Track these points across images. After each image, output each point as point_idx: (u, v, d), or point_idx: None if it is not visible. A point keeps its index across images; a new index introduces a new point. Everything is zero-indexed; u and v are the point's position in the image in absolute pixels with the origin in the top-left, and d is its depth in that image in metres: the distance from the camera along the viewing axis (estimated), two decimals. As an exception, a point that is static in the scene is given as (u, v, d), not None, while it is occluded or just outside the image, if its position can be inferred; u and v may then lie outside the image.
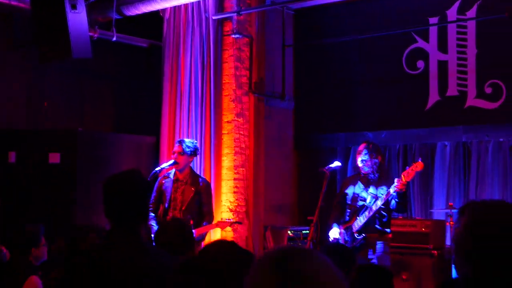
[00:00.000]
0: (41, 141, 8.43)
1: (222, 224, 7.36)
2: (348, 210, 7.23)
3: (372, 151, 7.01)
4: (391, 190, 6.64)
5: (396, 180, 6.63)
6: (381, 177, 7.00)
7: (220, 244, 2.92)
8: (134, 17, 9.40)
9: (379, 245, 6.86)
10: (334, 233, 7.04)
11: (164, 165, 7.79)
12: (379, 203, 6.76)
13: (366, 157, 7.01)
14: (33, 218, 7.71)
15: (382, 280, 3.89)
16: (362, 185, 7.06)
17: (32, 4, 7.78)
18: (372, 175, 7.01)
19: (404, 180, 6.61)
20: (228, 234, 8.80)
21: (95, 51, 7.94)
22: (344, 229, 7.06)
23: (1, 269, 5.51)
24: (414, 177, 6.96)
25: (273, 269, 1.64)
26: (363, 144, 7.13)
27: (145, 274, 3.20)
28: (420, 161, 6.81)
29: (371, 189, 6.95)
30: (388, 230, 6.97)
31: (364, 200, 6.97)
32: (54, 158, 8.34)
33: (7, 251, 5.60)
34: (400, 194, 6.67)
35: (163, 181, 7.51)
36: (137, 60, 10.25)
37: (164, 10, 9.50)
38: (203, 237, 7.42)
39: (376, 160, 7.03)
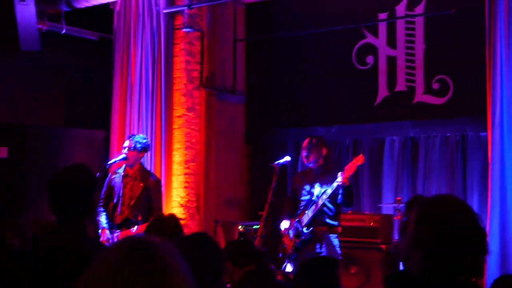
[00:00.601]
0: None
1: None
2: (300, 205, 7.28)
3: (314, 146, 7.04)
4: (334, 184, 6.70)
5: (339, 174, 6.68)
6: (327, 171, 7.03)
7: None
8: (84, 10, 9.31)
9: (328, 239, 6.91)
10: (285, 224, 7.07)
11: (114, 160, 7.72)
12: (324, 197, 6.81)
13: (309, 152, 7.04)
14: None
15: (325, 268, 3.89)
16: (309, 179, 7.10)
17: (-22, -5, 7.65)
18: (318, 170, 7.05)
19: (346, 174, 6.67)
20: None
21: (44, 44, 7.84)
22: (295, 223, 7.09)
23: None
24: (356, 170, 7.01)
25: (125, 258, 1.63)
26: (306, 139, 7.16)
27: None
28: (361, 155, 6.90)
29: (317, 183, 6.99)
30: (336, 223, 7.01)
31: (311, 194, 7.01)
32: (1, 152, 8.22)
33: None
34: (344, 188, 6.73)
35: (113, 177, 7.45)
36: (87, 53, 10.14)
37: (114, 2, 9.42)
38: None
39: (320, 154, 7.05)
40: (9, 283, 3.12)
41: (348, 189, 6.82)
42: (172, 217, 4.91)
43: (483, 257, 2.42)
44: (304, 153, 7.10)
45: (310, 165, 7.08)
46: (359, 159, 6.80)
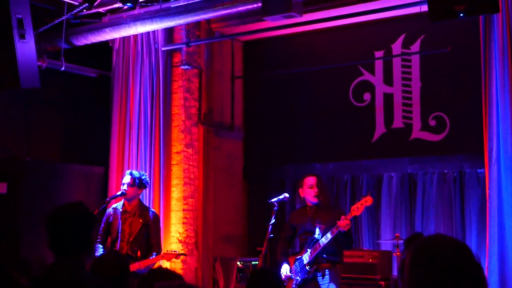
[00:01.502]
0: (-13, 170, 8.30)
1: (167, 256, 7.30)
2: (298, 242, 7.26)
3: (325, 186, 7.11)
4: (335, 230, 6.68)
5: (341, 219, 6.65)
6: (327, 209, 7.03)
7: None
8: (83, 47, 9.39)
9: (329, 274, 6.87)
10: (285, 269, 7.03)
11: (113, 196, 7.77)
12: (324, 240, 6.78)
13: (321, 191, 7.04)
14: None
15: None
16: (309, 217, 7.09)
17: (-20, 33, 7.71)
18: (318, 207, 7.05)
19: (350, 216, 6.65)
20: (177, 265, 8.76)
21: (43, 80, 7.87)
22: (295, 261, 7.06)
23: None
24: (363, 211, 7.02)
25: None
26: (313, 177, 7.15)
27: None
28: (369, 195, 6.81)
29: (318, 221, 6.97)
30: (337, 258, 6.98)
31: (313, 232, 6.98)
32: (1, 188, 8.22)
33: None
34: (344, 232, 6.70)
35: (111, 212, 7.46)
36: (86, 89, 10.19)
37: (113, 40, 9.51)
38: (149, 269, 7.35)
39: (326, 193, 7.09)
40: None
41: (349, 233, 6.78)
42: (114, 255, 4.69)
43: None
44: (315, 191, 7.04)
45: (315, 202, 7.06)
46: (368, 200, 6.71)
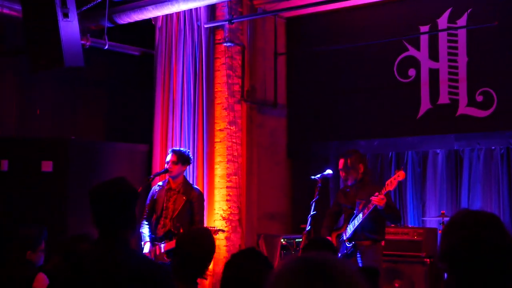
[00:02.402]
0: (34, 149, 8.40)
1: None
2: (342, 218, 7.29)
3: (351, 167, 7.05)
4: (371, 205, 6.67)
5: (372, 197, 6.64)
6: (366, 186, 7.00)
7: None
8: (126, 25, 9.41)
9: (369, 253, 6.85)
10: None
11: (157, 173, 7.85)
12: (361, 216, 6.79)
13: (347, 174, 7.08)
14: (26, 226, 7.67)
15: (365, 278, 3.84)
16: (350, 197, 7.10)
17: (24, 12, 7.78)
18: (357, 186, 7.04)
19: (386, 189, 6.63)
20: (220, 242, 8.80)
21: (87, 59, 7.93)
22: (336, 237, 7.07)
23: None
24: (396, 186, 6.98)
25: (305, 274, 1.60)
26: (341, 160, 7.17)
27: (130, 281, 3.20)
28: (402, 170, 6.83)
29: (359, 198, 6.96)
30: (379, 237, 6.95)
31: (354, 208, 6.99)
32: (47, 166, 8.32)
33: None
34: (382, 208, 6.66)
35: (156, 190, 7.52)
36: (129, 68, 10.24)
37: (156, 18, 9.51)
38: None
39: (358, 172, 7.05)
40: None
41: (388, 208, 6.72)
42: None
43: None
44: (342, 175, 7.12)
45: (349, 182, 7.09)
46: (400, 175, 6.74)
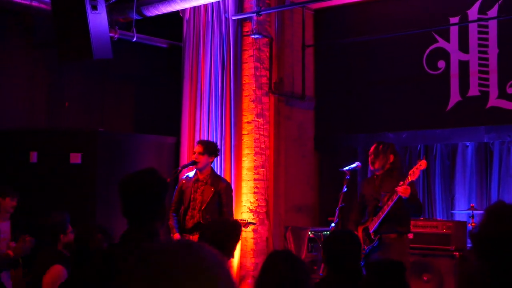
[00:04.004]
0: (63, 141, 8.45)
1: None
2: (367, 211, 7.22)
3: (381, 152, 6.96)
4: (395, 195, 6.61)
5: (397, 187, 6.57)
6: (393, 177, 6.92)
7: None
8: (154, 18, 9.43)
9: (395, 246, 6.78)
10: None
11: (184, 165, 7.86)
12: (386, 208, 6.71)
13: (375, 157, 6.96)
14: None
15: (393, 271, 3.81)
16: (375, 186, 7.01)
17: (53, 4, 7.83)
18: (384, 176, 6.96)
19: (409, 179, 6.55)
20: (248, 234, 8.80)
21: (115, 52, 7.97)
22: (362, 230, 7.01)
23: (29, 259, 5.65)
24: (419, 176, 6.90)
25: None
26: (374, 145, 7.08)
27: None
28: (424, 159, 6.76)
29: (384, 189, 6.89)
30: (405, 230, 6.88)
31: (378, 200, 6.92)
32: (75, 158, 8.37)
33: (31, 238, 5.86)
34: (407, 199, 6.59)
35: (184, 181, 7.53)
36: (157, 60, 10.28)
37: (184, 10, 9.52)
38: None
39: (387, 160, 6.95)
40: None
41: (412, 199, 6.64)
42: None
43: None
44: (370, 158, 7.02)
45: (376, 170, 7.00)
46: (422, 164, 6.66)
